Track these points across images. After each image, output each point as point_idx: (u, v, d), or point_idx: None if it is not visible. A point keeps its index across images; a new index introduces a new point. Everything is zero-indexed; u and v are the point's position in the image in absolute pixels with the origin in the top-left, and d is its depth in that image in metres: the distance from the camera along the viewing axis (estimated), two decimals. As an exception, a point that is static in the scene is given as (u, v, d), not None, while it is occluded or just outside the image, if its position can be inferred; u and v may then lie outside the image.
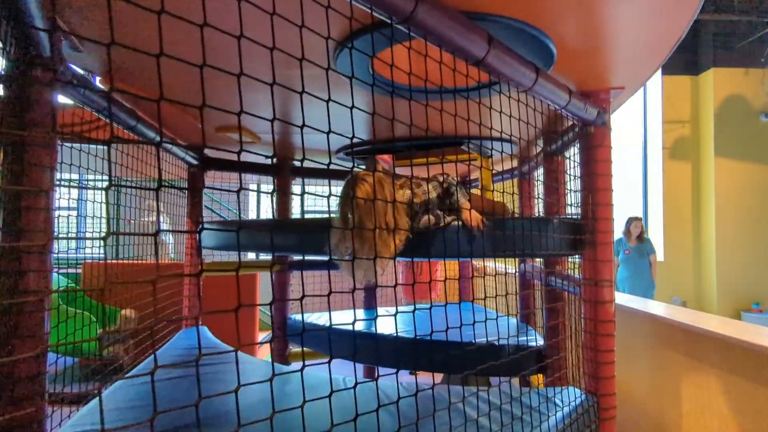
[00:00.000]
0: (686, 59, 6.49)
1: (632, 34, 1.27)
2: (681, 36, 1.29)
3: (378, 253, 1.26)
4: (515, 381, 2.52)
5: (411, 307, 3.34)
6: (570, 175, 1.72)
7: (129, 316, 3.83)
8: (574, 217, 1.66)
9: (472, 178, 3.60)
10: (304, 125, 0.69)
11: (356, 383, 0.80)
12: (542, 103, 1.29)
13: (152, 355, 2.48)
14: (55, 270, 4.59)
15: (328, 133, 0.74)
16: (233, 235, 2.03)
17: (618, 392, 1.51)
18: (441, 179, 1.52)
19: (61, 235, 4.21)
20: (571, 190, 1.70)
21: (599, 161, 1.53)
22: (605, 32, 1.23)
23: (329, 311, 0.80)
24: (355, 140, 2.48)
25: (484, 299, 1.13)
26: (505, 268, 2.84)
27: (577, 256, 1.64)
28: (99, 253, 5.29)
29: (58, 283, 3.95)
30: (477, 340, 1.22)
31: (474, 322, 1.03)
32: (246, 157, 2.89)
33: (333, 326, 2.40)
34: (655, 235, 6.44)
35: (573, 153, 1.81)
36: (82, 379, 3.25)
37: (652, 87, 6.75)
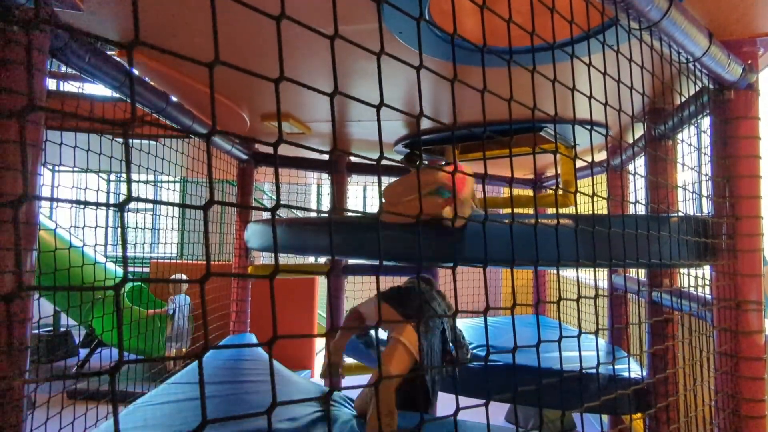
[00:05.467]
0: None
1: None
2: None
3: None
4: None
5: (473, 320, 2.97)
6: (689, 159, 1.31)
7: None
8: (697, 215, 1.25)
9: (548, 174, 3.17)
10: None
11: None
12: (660, 57, 0.92)
13: (195, 362, 2.34)
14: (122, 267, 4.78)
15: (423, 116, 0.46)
16: (284, 235, 1.82)
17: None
18: None
19: (132, 233, 4.32)
20: (693, 182, 1.29)
21: (742, 137, 1.11)
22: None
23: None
24: (413, 131, 2.19)
25: (558, 311, 0.79)
26: (578, 276, 2.41)
27: (704, 268, 1.23)
28: (170, 253, 5.45)
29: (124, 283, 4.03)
30: (554, 366, 0.89)
31: (545, 340, 0.70)
32: (299, 152, 2.71)
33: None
34: (765, 242, 5.47)
35: (689, 134, 1.40)
36: (149, 378, 3.23)
37: None
